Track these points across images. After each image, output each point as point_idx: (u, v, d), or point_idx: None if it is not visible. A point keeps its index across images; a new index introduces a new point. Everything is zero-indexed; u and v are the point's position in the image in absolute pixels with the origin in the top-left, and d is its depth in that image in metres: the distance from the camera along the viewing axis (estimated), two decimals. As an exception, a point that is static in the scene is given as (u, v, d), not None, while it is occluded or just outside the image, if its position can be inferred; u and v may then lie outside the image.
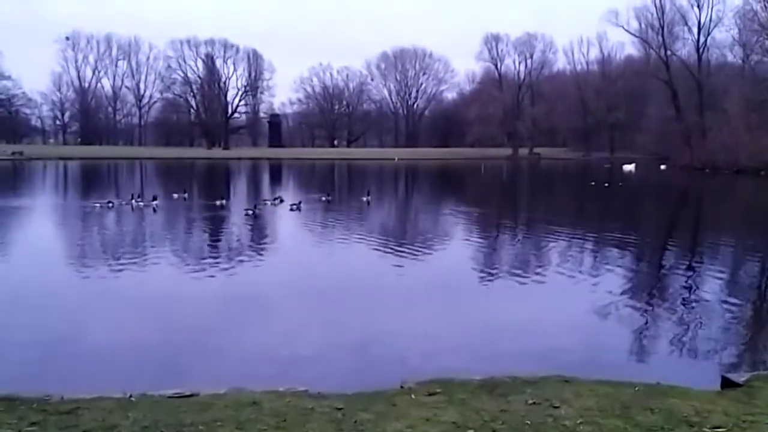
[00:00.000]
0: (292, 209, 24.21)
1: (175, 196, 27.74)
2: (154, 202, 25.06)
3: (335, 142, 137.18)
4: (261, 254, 15.52)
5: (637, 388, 5.76)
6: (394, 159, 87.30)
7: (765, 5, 59.32)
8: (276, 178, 54.19)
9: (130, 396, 5.46)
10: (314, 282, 12.24)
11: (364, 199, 28.22)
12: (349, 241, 17.28)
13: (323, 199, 27.85)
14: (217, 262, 13.78)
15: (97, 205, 24.74)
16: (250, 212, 22.93)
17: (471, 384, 5.85)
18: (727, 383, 6.17)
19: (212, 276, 12.40)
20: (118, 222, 21.29)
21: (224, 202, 26.85)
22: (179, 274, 12.81)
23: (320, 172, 61.78)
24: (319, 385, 5.90)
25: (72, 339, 8.47)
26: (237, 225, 20.64)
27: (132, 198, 25.67)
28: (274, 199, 26.91)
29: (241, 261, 14.15)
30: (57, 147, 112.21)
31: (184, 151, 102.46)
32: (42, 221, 22.29)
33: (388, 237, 18.71)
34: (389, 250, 15.72)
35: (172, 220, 22.08)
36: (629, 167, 60.27)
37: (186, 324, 9.34)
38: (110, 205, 24.50)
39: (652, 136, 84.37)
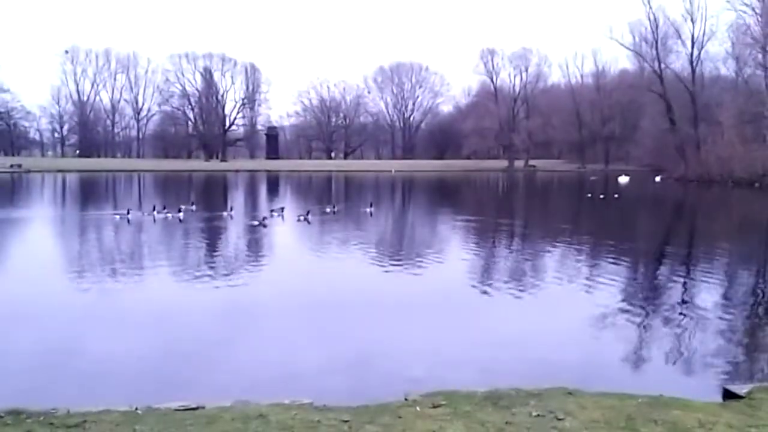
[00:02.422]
0: (299, 220, 24.38)
1: (183, 207, 27.88)
2: (180, 214, 25.72)
3: (332, 155, 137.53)
4: (273, 265, 15.82)
5: (640, 400, 5.78)
6: (390, 171, 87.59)
7: (758, 19, 59.85)
8: (274, 190, 54.19)
9: (137, 409, 5.47)
10: (320, 293, 12.25)
11: (367, 210, 28.40)
12: (354, 252, 17.33)
13: (328, 210, 27.95)
14: (228, 274, 13.85)
15: (117, 216, 25.06)
16: (256, 224, 23.12)
17: (475, 396, 5.87)
18: (728, 395, 6.21)
19: (226, 287, 12.48)
20: (145, 232, 21.63)
21: (233, 213, 27.19)
22: (190, 285, 12.78)
23: (318, 184, 61.78)
24: (323, 397, 5.92)
25: (78, 350, 8.43)
26: (250, 237, 20.81)
27: (154, 209, 26.12)
28: (281, 209, 27.16)
29: (254, 272, 14.37)
30: (55, 159, 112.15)
31: (182, 164, 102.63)
32: (64, 232, 22.36)
33: (393, 248, 19.02)
34: (394, 261, 15.88)
35: (190, 231, 22.04)
36: (624, 179, 60.42)
37: (198, 335, 9.30)
38: (129, 215, 24.77)
39: (647, 149, 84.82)
